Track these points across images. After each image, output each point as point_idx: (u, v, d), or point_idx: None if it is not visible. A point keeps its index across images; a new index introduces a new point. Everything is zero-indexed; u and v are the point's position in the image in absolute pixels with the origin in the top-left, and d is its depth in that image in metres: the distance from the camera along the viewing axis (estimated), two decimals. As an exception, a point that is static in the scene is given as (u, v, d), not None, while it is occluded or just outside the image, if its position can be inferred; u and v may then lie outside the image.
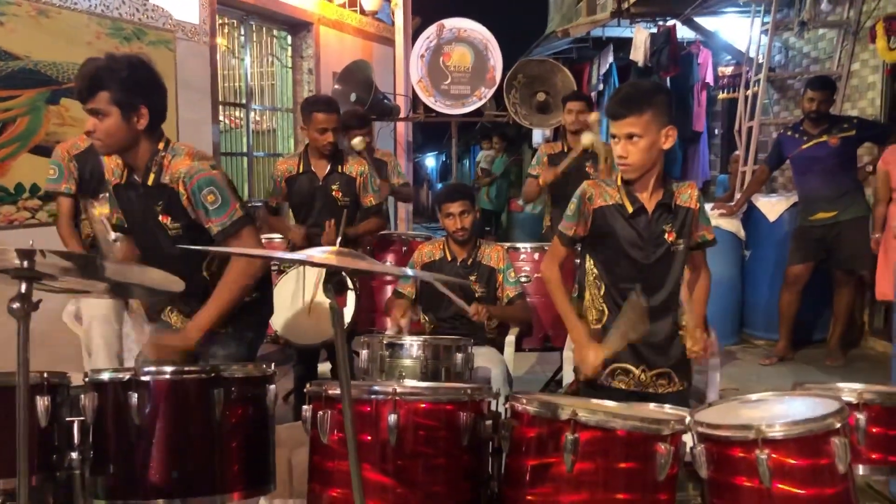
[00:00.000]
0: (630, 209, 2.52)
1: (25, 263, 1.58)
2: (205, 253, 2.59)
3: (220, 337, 2.62)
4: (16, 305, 1.58)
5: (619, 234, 2.54)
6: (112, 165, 2.65)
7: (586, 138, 4.68)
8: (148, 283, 1.97)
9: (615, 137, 2.46)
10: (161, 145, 2.52)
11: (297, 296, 3.70)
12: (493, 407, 2.06)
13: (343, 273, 1.55)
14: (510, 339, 3.80)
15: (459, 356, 2.98)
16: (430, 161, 25.25)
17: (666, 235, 2.53)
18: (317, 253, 1.52)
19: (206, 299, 2.54)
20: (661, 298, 2.56)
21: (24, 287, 1.59)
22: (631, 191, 2.53)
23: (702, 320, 2.63)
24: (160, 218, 2.53)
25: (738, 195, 6.28)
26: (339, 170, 4.06)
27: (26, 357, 1.61)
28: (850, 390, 2.04)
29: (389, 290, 4.16)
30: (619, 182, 2.55)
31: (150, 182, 2.50)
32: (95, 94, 2.38)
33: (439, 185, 21.62)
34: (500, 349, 3.76)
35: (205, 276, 2.61)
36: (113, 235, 3.56)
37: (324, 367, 4.31)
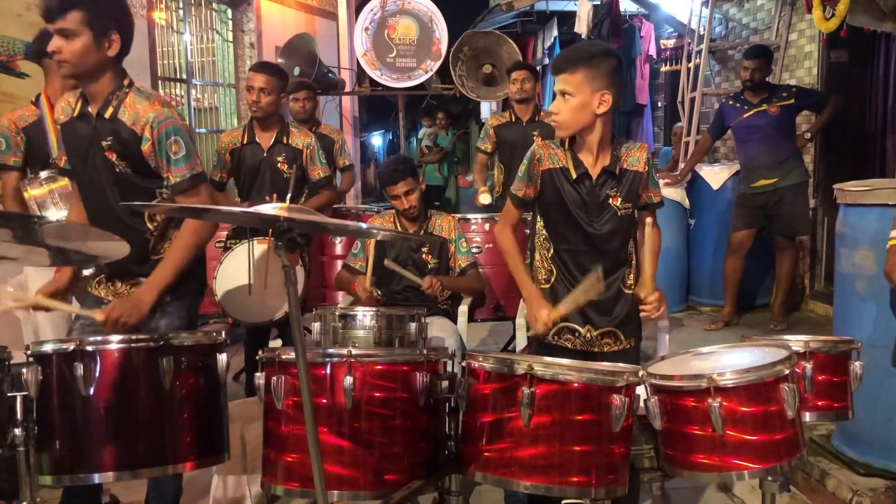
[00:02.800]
0: (574, 174, 2.52)
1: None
2: (151, 194, 2.52)
3: (162, 307, 2.56)
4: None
5: (564, 197, 2.54)
6: (63, 104, 2.59)
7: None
8: (90, 249, 1.90)
9: (554, 94, 2.49)
10: (126, 81, 2.48)
11: (245, 273, 3.63)
12: (448, 368, 2.05)
13: (294, 231, 1.51)
14: (463, 308, 3.80)
15: (413, 325, 2.95)
16: (377, 140, 25.05)
17: (610, 200, 2.53)
18: (267, 208, 1.49)
19: (145, 259, 2.49)
20: (608, 260, 2.57)
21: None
22: (576, 154, 2.53)
23: (651, 278, 2.62)
24: (107, 154, 2.47)
25: (681, 165, 6.38)
26: (285, 141, 4.00)
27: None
28: (796, 340, 2.09)
29: (339, 265, 4.11)
30: (567, 146, 2.55)
31: (106, 115, 2.45)
32: (66, 14, 2.31)
33: (386, 164, 21.40)
34: (453, 319, 3.75)
35: (148, 227, 2.55)
36: (53, 214, 3.44)
37: (274, 345, 4.26)
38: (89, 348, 1.90)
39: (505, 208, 2.73)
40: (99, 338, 1.95)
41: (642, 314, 2.57)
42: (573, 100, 2.41)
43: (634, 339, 2.67)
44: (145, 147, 2.44)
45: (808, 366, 2.05)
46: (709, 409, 1.77)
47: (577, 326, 2.60)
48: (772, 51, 5.95)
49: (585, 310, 2.57)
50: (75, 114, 2.53)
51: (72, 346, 1.90)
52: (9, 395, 1.96)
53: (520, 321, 3.65)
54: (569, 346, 2.59)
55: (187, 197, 2.49)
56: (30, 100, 3.62)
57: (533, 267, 2.68)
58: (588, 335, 2.59)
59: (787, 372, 1.81)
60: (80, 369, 1.87)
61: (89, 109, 2.49)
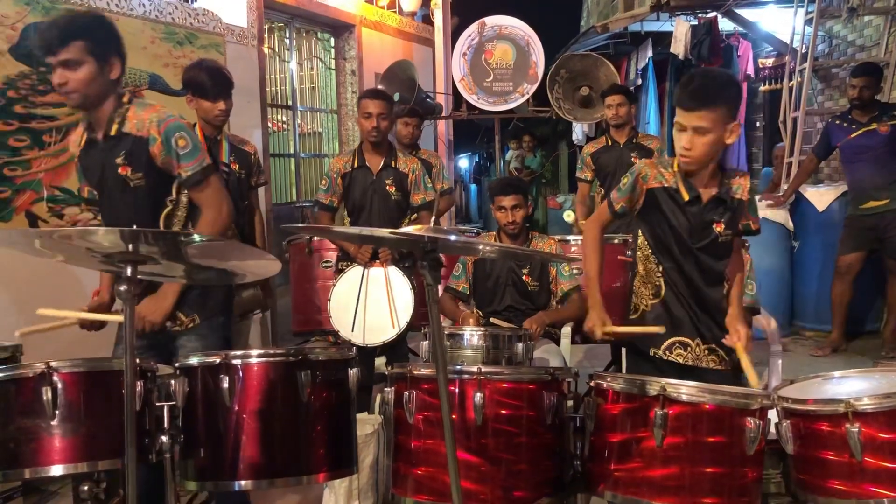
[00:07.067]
0: (686, 197, 2.51)
1: (130, 247, 1.63)
2: (161, 204, 2.54)
3: (191, 329, 2.58)
4: (123, 288, 1.63)
5: (669, 216, 2.54)
6: (75, 137, 2.66)
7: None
8: (241, 268, 2.01)
9: (681, 127, 2.41)
10: (126, 98, 2.52)
11: (358, 295, 3.74)
12: (572, 388, 2.08)
13: (437, 250, 1.58)
14: (566, 330, 3.80)
15: (520, 345, 2.99)
16: (464, 162, 25.26)
17: (714, 226, 2.53)
18: (409, 229, 1.56)
19: None
20: (712, 276, 2.57)
21: (129, 270, 1.64)
22: (688, 178, 2.52)
23: (740, 314, 2.60)
24: (120, 171, 2.50)
25: (784, 186, 6.23)
26: (393, 165, 4.11)
27: (132, 339, 1.66)
28: (932, 366, 2.03)
29: (441, 286, 4.18)
30: (677, 167, 2.54)
31: (112, 132, 2.49)
32: (68, 45, 2.36)
33: (473, 186, 21.53)
34: (556, 341, 3.76)
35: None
36: None
37: (379, 361, 4.35)
38: (234, 362, 2.01)
39: (600, 210, 2.74)
40: (240, 352, 2.06)
41: (726, 341, 2.56)
42: (709, 135, 2.36)
43: (734, 365, 2.62)
44: (154, 148, 2.47)
45: (948, 393, 1.98)
46: (846, 434, 1.74)
47: (688, 340, 2.58)
48: (881, 68, 5.77)
49: (696, 321, 2.57)
50: (82, 144, 2.60)
51: (217, 360, 2.02)
52: (157, 404, 2.09)
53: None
54: (680, 360, 2.57)
55: (200, 189, 2.51)
56: None
57: (638, 280, 2.68)
58: (697, 349, 2.57)
59: (928, 399, 1.77)
60: (225, 381, 1.98)
61: (94, 135, 2.54)
